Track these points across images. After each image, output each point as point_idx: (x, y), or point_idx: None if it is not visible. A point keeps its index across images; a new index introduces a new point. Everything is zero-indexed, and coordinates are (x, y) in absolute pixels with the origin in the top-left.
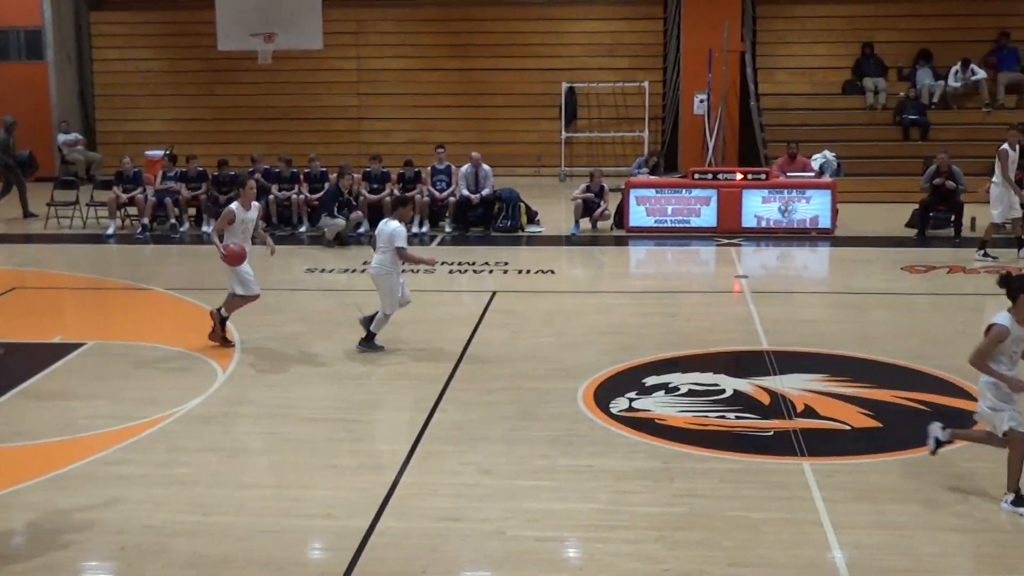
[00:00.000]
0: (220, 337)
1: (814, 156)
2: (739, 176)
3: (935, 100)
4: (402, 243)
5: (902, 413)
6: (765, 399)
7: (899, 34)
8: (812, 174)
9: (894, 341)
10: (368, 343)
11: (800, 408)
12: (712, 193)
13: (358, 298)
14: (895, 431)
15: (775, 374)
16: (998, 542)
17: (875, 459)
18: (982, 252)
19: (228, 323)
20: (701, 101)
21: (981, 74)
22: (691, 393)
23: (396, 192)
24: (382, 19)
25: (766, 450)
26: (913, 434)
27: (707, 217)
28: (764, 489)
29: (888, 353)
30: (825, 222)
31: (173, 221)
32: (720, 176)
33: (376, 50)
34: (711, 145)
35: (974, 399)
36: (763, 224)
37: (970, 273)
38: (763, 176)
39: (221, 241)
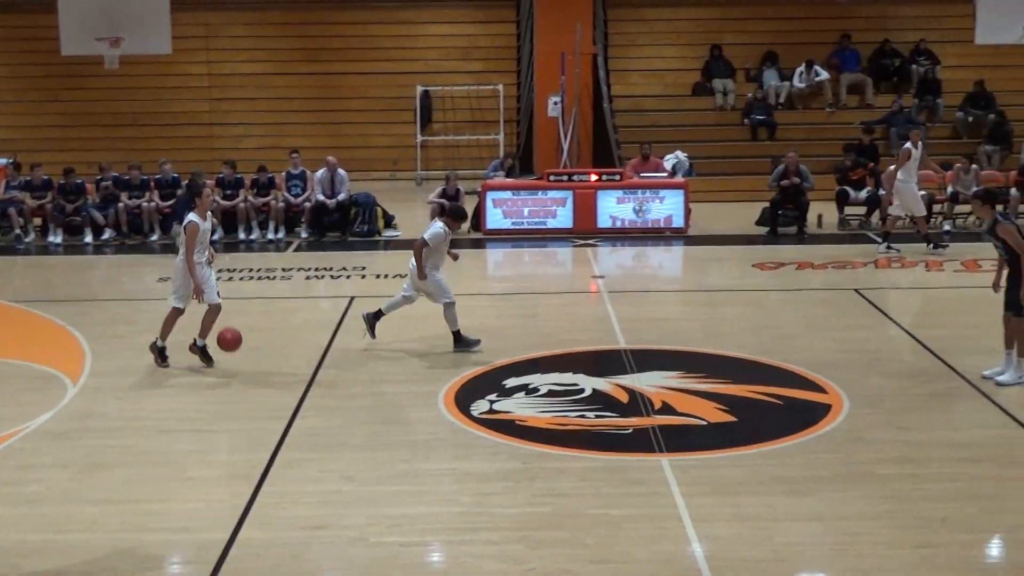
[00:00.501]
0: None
1: (667, 157)
2: (594, 177)
3: (781, 100)
4: (431, 236)
5: (756, 407)
6: (624, 397)
7: (746, 36)
8: (665, 174)
9: (747, 337)
10: (461, 342)
11: (658, 405)
12: (568, 195)
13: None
14: (750, 425)
15: (633, 372)
16: (850, 531)
17: (731, 453)
18: (885, 245)
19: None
20: (555, 103)
21: (824, 75)
22: (551, 393)
23: (251, 198)
24: (232, 23)
25: (625, 447)
26: (767, 427)
27: (563, 218)
28: (624, 486)
29: (741, 348)
30: (678, 222)
31: (18, 231)
32: (575, 178)
33: (227, 54)
34: (566, 147)
35: (823, 391)
36: (618, 224)
37: (818, 269)
38: (617, 177)
39: (192, 262)
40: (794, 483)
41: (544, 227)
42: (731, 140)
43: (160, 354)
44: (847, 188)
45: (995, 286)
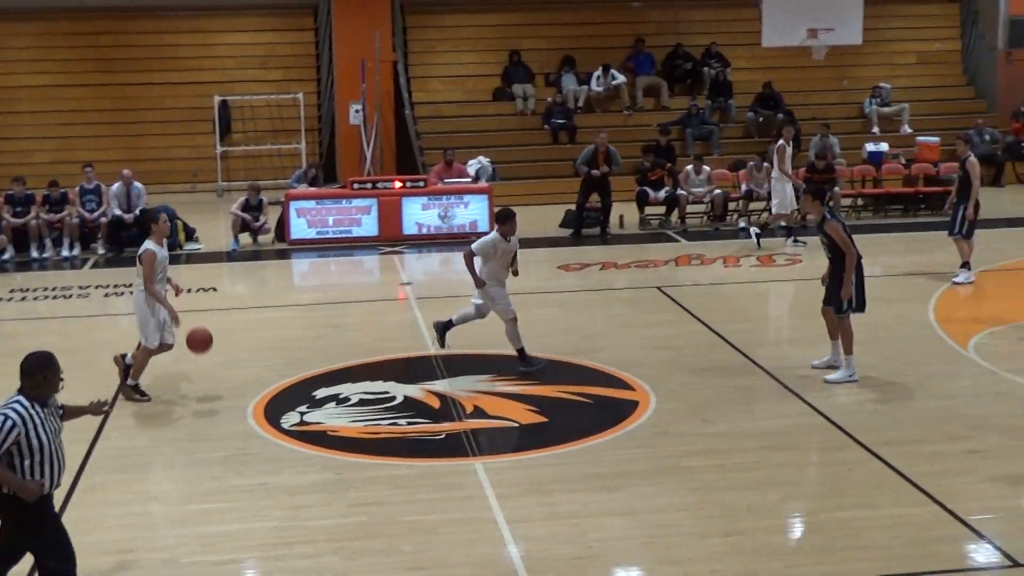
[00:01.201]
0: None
1: (470, 162)
2: (398, 184)
3: (580, 104)
4: (478, 246)
5: (566, 407)
6: (435, 403)
7: (544, 42)
8: (469, 180)
9: (555, 337)
10: (525, 361)
11: (470, 409)
12: (372, 202)
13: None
14: (561, 424)
15: (444, 377)
16: (661, 523)
17: (543, 453)
18: (792, 239)
19: None
20: (357, 111)
21: (621, 78)
22: (362, 402)
23: (43, 215)
24: (18, 33)
25: (439, 453)
26: (577, 425)
27: (368, 226)
28: (439, 491)
29: (549, 349)
30: (484, 226)
31: None
32: (379, 185)
33: (12, 66)
34: (369, 155)
35: (631, 388)
36: (424, 231)
37: (622, 268)
38: (422, 183)
39: (155, 290)
40: (606, 479)
41: (349, 236)
42: (532, 144)
43: (138, 390)
44: (647, 188)
45: (824, 280)
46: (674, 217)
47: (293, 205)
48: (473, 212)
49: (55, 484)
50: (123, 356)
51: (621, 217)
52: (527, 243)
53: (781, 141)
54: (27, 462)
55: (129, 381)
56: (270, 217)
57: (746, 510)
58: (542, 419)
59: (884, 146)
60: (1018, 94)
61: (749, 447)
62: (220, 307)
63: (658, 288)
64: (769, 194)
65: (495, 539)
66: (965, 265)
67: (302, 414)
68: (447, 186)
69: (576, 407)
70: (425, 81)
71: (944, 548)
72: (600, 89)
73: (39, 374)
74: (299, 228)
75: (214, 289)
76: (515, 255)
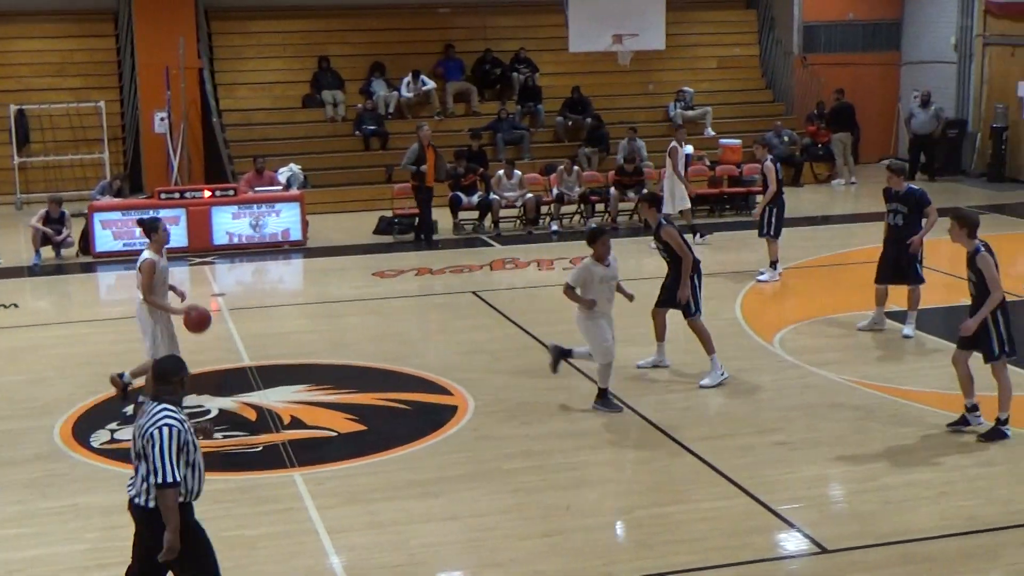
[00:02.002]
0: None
1: (280, 170)
2: (207, 194)
3: (391, 110)
4: (573, 277)
5: (385, 414)
6: (252, 415)
7: (353, 47)
8: (280, 188)
9: (371, 345)
10: (604, 402)
11: (287, 420)
12: (180, 212)
13: None
14: (380, 432)
15: (259, 389)
16: (483, 526)
17: (363, 461)
18: (699, 236)
19: None
20: (162, 119)
21: (431, 84)
22: None
23: None
24: None
25: (256, 466)
26: (397, 433)
27: (177, 237)
28: (257, 505)
29: (367, 357)
30: (296, 234)
31: None
32: (187, 195)
33: None
34: (176, 164)
35: (449, 393)
36: (235, 240)
37: (437, 274)
38: (231, 192)
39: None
40: (427, 485)
41: None
42: (344, 151)
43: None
44: (459, 194)
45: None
46: (487, 222)
47: (97, 217)
48: (285, 220)
49: (200, 492)
50: (120, 375)
51: (435, 222)
52: (340, 251)
53: (674, 143)
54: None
55: (140, 398)
56: (73, 230)
57: (566, 510)
58: (361, 427)
59: (689, 149)
60: (813, 97)
61: (567, 447)
62: (23, 324)
63: (473, 293)
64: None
65: (316, 550)
66: (773, 264)
67: (112, 431)
68: (258, 194)
69: (395, 414)
70: (232, 88)
71: (757, 538)
72: (410, 95)
73: (176, 377)
74: (104, 240)
75: (15, 305)
76: (618, 281)
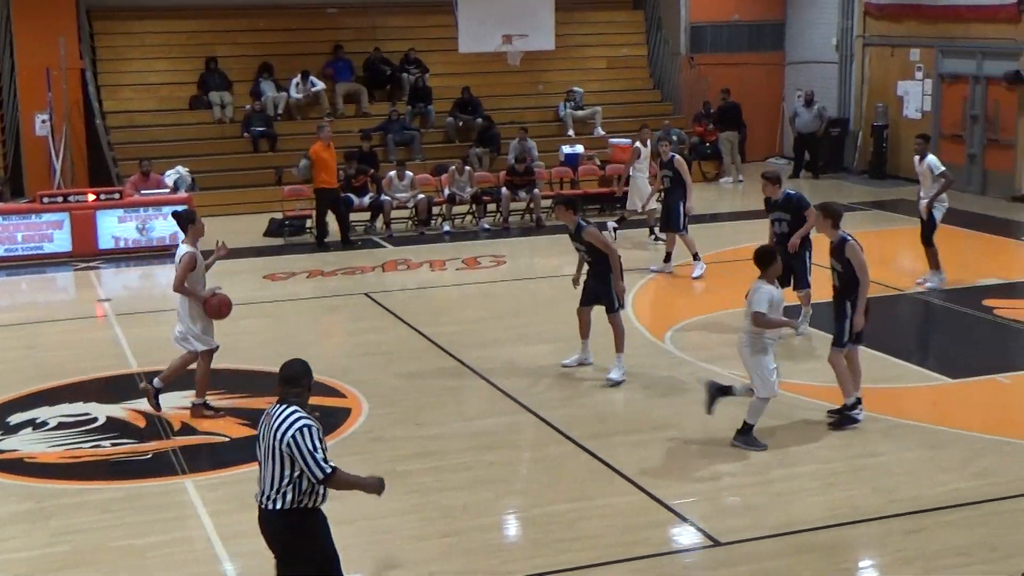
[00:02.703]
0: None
1: (167, 172)
2: (91, 197)
3: (280, 111)
4: (761, 307)
5: None
6: (141, 422)
7: (240, 48)
8: (167, 190)
9: (263, 348)
10: (747, 437)
11: (177, 426)
12: (64, 217)
13: None
14: None
15: None
16: (380, 529)
17: (257, 466)
18: (653, 236)
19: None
20: (43, 122)
21: (320, 85)
22: (61, 426)
23: None
24: None
25: (147, 474)
26: None
27: (61, 242)
28: (148, 513)
29: (259, 361)
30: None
31: None
32: (71, 198)
33: None
34: (58, 167)
35: (343, 395)
36: (121, 244)
37: (329, 276)
38: (117, 196)
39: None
40: None
41: (41, 252)
42: (233, 153)
43: (207, 407)
44: (351, 195)
45: (575, 282)
46: (379, 223)
47: None
48: (173, 224)
49: (326, 497)
50: (150, 382)
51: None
52: (230, 254)
53: (636, 143)
54: None
55: (195, 400)
56: None
57: (462, 510)
58: (254, 432)
59: (579, 148)
60: (700, 96)
61: (463, 448)
62: None
63: (366, 294)
64: (626, 194)
65: (209, 557)
66: (696, 256)
67: None
68: (144, 198)
69: None
70: (116, 89)
71: (652, 533)
72: (300, 96)
73: (305, 380)
74: None
75: None
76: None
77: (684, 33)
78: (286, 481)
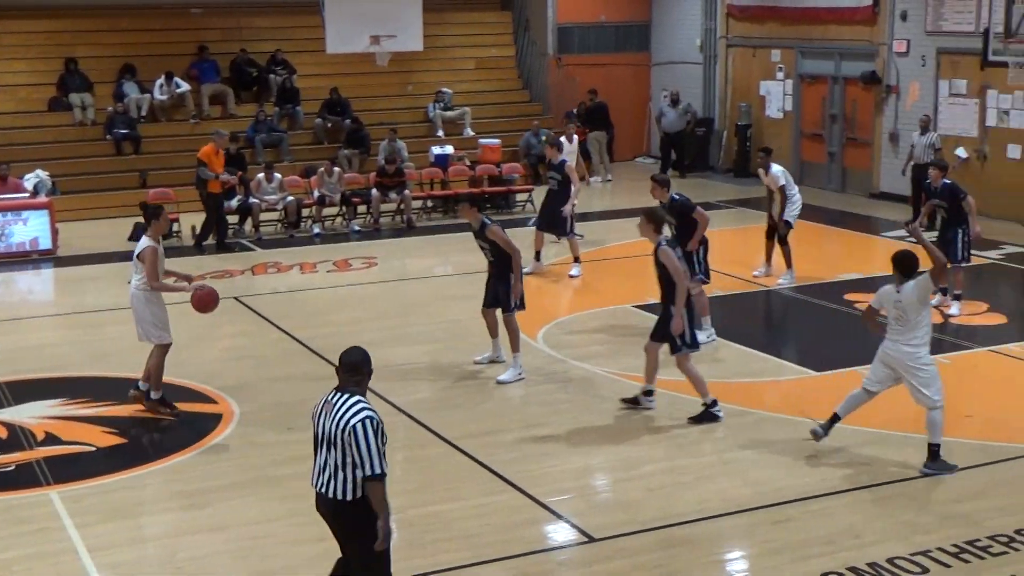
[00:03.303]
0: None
1: (26, 176)
2: None
3: (144, 113)
4: (877, 299)
5: (147, 425)
6: (2, 433)
7: (102, 49)
8: (26, 195)
9: (132, 355)
10: (936, 462)
11: (41, 437)
12: None
13: None
14: (142, 444)
15: (10, 405)
16: (253, 535)
17: (125, 475)
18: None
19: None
20: None
21: (185, 86)
22: None
23: None
24: None
25: (9, 485)
26: (160, 444)
27: None
28: (11, 526)
29: (128, 367)
30: (46, 243)
31: None
32: None
33: None
34: None
35: (214, 401)
36: None
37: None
38: None
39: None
40: (193, 496)
41: None
42: (95, 156)
43: (164, 403)
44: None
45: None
46: (248, 226)
47: None
48: (33, 229)
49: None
50: (137, 387)
51: (193, 227)
52: (95, 259)
53: (562, 138)
54: None
55: (153, 395)
56: None
57: None
58: (121, 440)
59: (449, 149)
60: (568, 96)
61: None
62: None
63: (235, 298)
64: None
65: (76, 570)
66: (577, 260)
67: None
68: (2, 202)
69: (157, 425)
70: None
71: (527, 531)
72: (164, 98)
73: (365, 368)
74: None
75: None
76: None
77: (552, 34)
78: (349, 469)
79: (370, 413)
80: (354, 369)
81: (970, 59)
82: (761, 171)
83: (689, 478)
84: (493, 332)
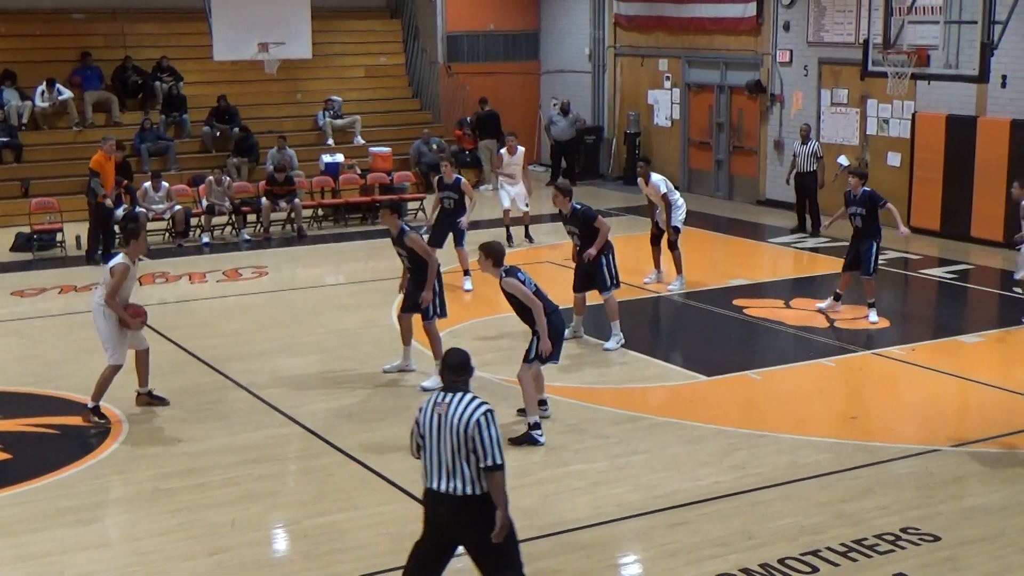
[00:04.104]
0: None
1: None
2: None
3: (24, 121)
4: None
5: (32, 440)
6: None
7: None
8: None
9: (13, 368)
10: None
11: None
12: None
13: None
14: (27, 460)
15: None
16: (142, 550)
17: (8, 492)
18: (528, 240)
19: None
20: None
21: (68, 93)
22: None
23: None
24: None
25: None
26: (46, 459)
27: None
28: None
29: (9, 381)
30: None
31: None
32: None
33: None
34: None
35: (103, 415)
36: None
37: (82, 291)
38: None
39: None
40: (80, 512)
41: None
42: None
43: (97, 413)
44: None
45: (401, 287)
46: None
47: None
48: None
49: None
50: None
51: (77, 237)
52: None
53: (503, 150)
54: None
55: (89, 403)
56: None
57: (230, 526)
58: (5, 456)
59: (339, 157)
60: (459, 105)
61: (229, 463)
62: None
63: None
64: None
65: None
66: (467, 273)
67: None
68: None
69: (43, 439)
70: None
71: None
72: (45, 105)
73: (470, 367)
74: None
75: None
76: None
77: (441, 42)
78: (472, 464)
79: (490, 407)
80: (460, 368)
81: (850, 69)
82: (641, 180)
83: (584, 483)
84: (406, 339)
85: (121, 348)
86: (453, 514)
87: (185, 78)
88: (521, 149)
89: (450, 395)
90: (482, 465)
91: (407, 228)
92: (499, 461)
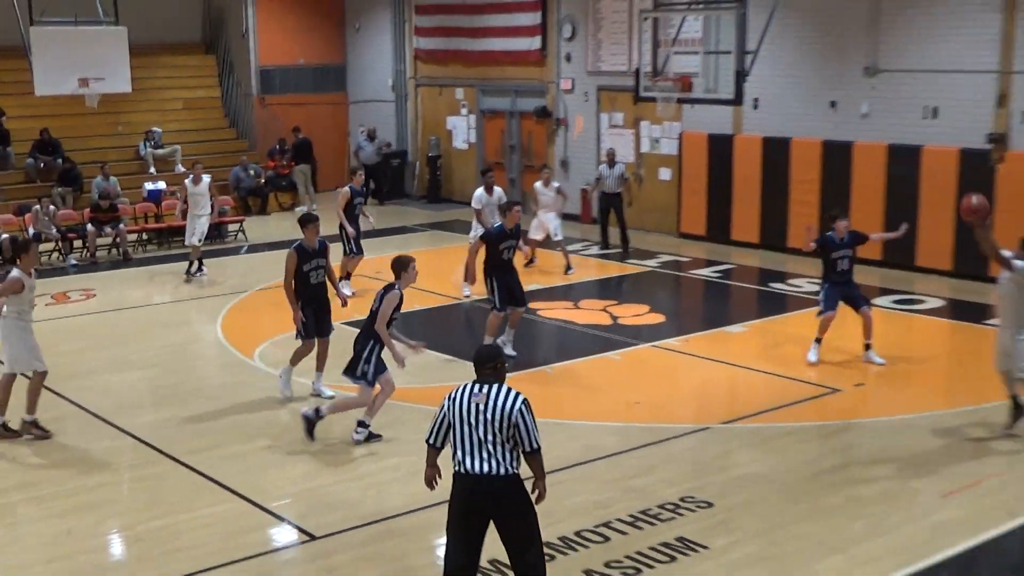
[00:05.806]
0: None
1: None
2: None
3: None
4: None
5: None
6: None
7: None
8: None
9: None
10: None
11: None
12: None
13: None
14: None
15: None
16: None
17: None
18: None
19: None
20: None
21: None
22: None
23: None
24: None
25: None
26: None
27: None
28: None
29: None
30: None
31: None
32: None
33: None
34: None
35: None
36: None
37: None
38: None
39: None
40: None
41: None
42: None
43: (36, 425)
44: None
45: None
46: None
47: None
48: None
49: None
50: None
51: None
52: None
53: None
54: None
55: (26, 417)
56: None
57: (67, 536)
58: None
59: (162, 184)
60: (274, 134)
61: (62, 476)
62: None
63: None
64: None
65: None
66: (348, 276)
67: None
68: None
69: None
70: None
71: (251, 536)
72: None
73: (498, 358)
74: None
75: None
76: None
77: (255, 76)
78: (509, 449)
79: (525, 396)
80: (489, 359)
81: (625, 95)
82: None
83: (401, 474)
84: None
85: (33, 357)
86: (491, 493)
87: (7, 112)
88: (555, 184)
89: (488, 387)
90: (526, 449)
91: (324, 243)
92: (536, 445)
